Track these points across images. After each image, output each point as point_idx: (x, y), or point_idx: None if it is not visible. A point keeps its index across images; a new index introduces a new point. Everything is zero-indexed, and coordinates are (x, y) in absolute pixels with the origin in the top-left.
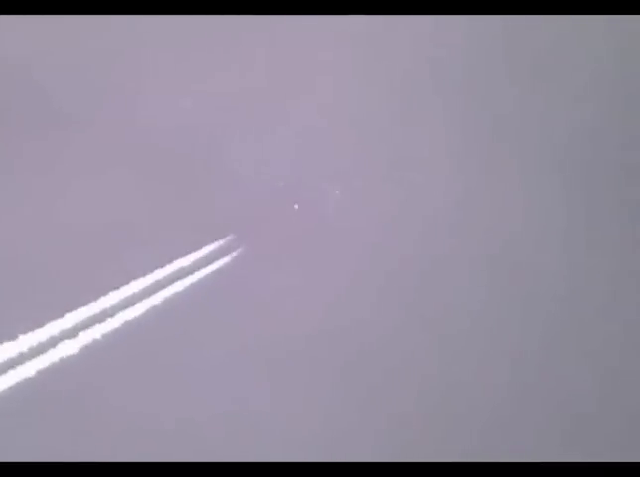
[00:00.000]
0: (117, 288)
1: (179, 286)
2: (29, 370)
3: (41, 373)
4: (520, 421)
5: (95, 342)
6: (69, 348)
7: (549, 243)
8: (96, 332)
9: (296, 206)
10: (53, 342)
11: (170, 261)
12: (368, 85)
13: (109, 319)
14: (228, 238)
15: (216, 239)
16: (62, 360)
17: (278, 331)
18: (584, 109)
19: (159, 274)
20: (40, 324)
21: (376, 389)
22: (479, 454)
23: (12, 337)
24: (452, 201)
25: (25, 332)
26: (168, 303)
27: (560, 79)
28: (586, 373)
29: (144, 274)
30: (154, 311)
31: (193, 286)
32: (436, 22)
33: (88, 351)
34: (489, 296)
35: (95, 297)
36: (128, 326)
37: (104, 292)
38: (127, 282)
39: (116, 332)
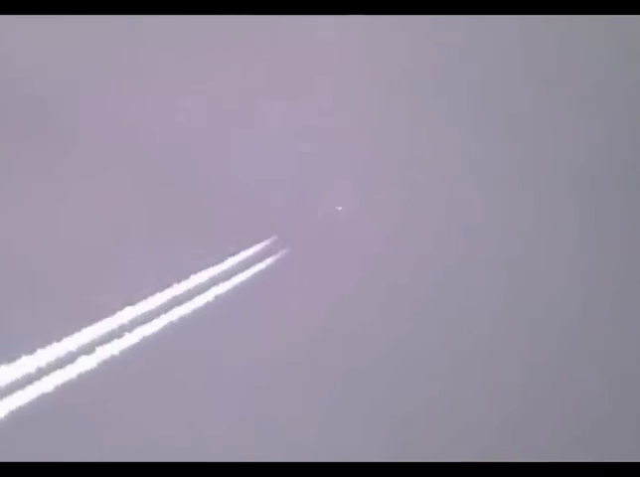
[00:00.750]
0: (134, 304)
1: (198, 301)
2: (47, 385)
3: (58, 388)
4: (536, 427)
5: (113, 358)
6: (87, 363)
7: (562, 246)
8: (114, 347)
9: (339, 208)
10: (72, 357)
11: (187, 277)
12: (373, 86)
13: (127, 334)
14: (238, 255)
15: (224, 258)
16: (80, 376)
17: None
18: (595, 111)
19: (178, 289)
20: (58, 338)
21: (395, 391)
22: (488, 455)
23: (30, 351)
24: (463, 203)
25: (44, 346)
26: (186, 319)
27: (568, 81)
28: (604, 376)
29: (162, 289)
30: (171, 327)
31: (211, 301)
32: (446, 22)
33: (107, 366)
34: (505, 298)
35: (112, 312)
36: (146, 341)
37: (121, 307)
38: (145, 297)
39: (134, 348)
